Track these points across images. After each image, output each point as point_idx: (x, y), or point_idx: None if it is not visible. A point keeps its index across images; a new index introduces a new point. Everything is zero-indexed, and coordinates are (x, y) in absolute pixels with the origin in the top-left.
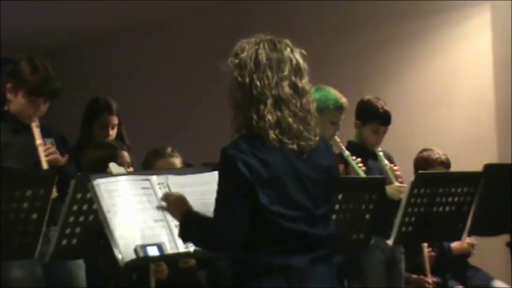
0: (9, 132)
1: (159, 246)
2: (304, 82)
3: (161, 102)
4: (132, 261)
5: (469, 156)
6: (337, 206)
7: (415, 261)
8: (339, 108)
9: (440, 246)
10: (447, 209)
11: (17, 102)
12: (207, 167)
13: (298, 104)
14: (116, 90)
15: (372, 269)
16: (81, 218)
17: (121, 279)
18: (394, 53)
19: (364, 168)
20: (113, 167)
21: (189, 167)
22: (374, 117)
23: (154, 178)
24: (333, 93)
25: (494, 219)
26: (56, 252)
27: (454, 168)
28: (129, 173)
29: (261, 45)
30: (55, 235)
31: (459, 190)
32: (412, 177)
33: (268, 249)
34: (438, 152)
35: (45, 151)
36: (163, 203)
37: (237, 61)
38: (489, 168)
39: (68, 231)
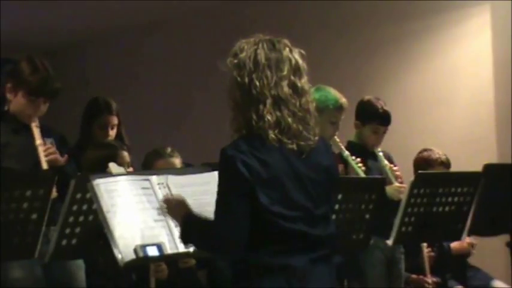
0: (9, 132)
1: (159, 246)
2: (303, 82)
3: (161, 102)
4: (131, 261)
5: (469, 156)
6: (337, 206)
7: (415, 261)
8: (339, 108)
9: (440, 246)
10: (447, 209)
11: (16, 102)
12: (207, 167)
13: (298, 103)
14: (116, 90)
15: (372, 269)
16: (81, 218)
17: (121, 279)
18: (393, 53)
19: (363, 168)
20: (113, 167)
21: (188, 167)
22: (374, 117)
23: (154, 178)
24: (333, 93)
25: (494, 219)
26: (55, 252)
27: (454, 168)
28: (128, 173)
29: (260, 45)
30: (55, 235)
31: (459, 190)
32: (412, 177)
33: (268, 249)
34: (438, 152)
35: (45, 151)
36: (164, 207)
37: (236, 61)
38: (489, 168)
39: (67, 231)
